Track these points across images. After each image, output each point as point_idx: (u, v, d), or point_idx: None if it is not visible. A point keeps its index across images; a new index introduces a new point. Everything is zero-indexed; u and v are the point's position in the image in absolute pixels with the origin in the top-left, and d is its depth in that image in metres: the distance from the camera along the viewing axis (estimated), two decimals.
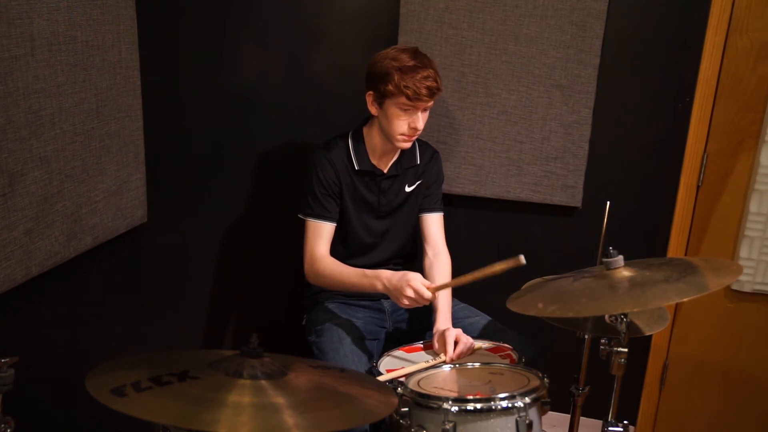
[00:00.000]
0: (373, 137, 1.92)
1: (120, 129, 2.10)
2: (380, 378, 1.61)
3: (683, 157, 2.22)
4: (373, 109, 1.86)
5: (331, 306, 2.00)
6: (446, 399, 1.39)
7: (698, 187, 2.24)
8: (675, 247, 2.28)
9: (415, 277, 1.66)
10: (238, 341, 2.66)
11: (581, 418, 1.70)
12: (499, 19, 2.17)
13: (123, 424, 1.34)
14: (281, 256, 2.50)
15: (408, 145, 1.86)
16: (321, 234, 1.90)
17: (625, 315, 1.38)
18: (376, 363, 1.73)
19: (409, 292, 1.64)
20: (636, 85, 2.20)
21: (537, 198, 2.30)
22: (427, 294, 1.65)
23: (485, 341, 1.81)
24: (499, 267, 1.53)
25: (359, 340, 1.85)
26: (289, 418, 1.01)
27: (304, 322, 2.06)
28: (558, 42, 2.15)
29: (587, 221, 2.31)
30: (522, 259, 1.49)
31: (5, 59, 1.56)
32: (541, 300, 1.41)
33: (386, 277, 1.70)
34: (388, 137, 1.86)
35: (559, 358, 1.86)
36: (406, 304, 1.67)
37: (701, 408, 2.42)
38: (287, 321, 2.35)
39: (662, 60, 2.17)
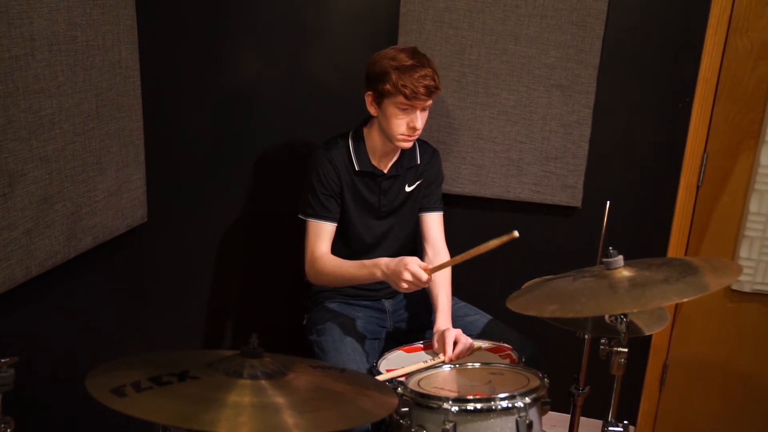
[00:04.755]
0: (373, 138, 1.92)
1: (120, 129, 2.10)
2: (380, 377, 1.61)
3: (683, 157, 2.22)
4: (372, 109, 1.86)
5: (332, 306, 2.00)
6: (446, 399, 1.39)
7: (698, 187, 2.24)
8: (675, 247, 2.28)
9: (411, 261, 1.65)
10: (238, 341, 2.66)
11: (581, 418, 1.70)
12: (499, 19, 2.17)
13: (123, 424, 1.34)
14: (281, 256, 2.50)
15: (408, 145, 1.86)
16: (322, 234, 1.90)
17: (625, 315, 1.38)
18: (377, 363, 1.73)
19: (407, 276, 1.63)
20: (636, 85, 2.20)
21: (537, 198, 2.30)
22: (424, 276, 1.63)
23: (485, 341, 1.81)
24: (493, 243, 1.50)
25: (360, 339, 1.85)
26: (289, 418, 1.01)
27: (305, 322, 2.06)
28: (558, 42, 2.15)
29: (587, 221, 2.31)
30: (516, 233, 1.46)
31: (5, 59, 1.56)
32: (542, 300, 1.41)
33: (384, 263, 1.70)
34: (387, 137, 1.86)
35: (559, 358, 1.86)
36: (405, 288, 1.66)
37: (701, 408, 2.42)
38: (287, 321, 2.35)
39: (662, 60, 2.17)
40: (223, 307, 2.64)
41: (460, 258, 1.62)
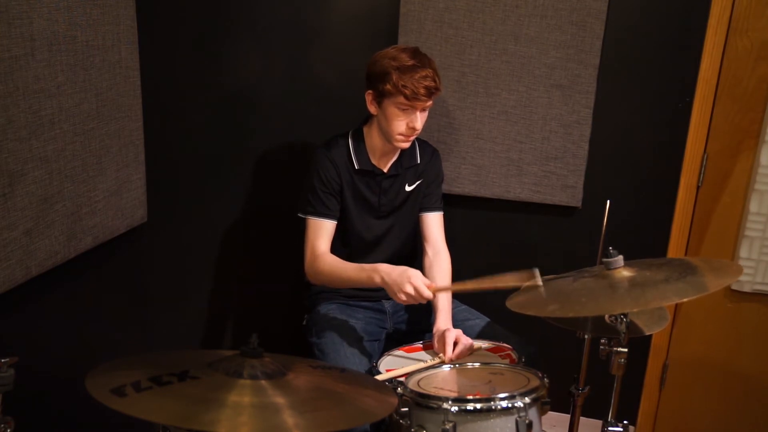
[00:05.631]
0: (373, 137, 1.92)
1: (120, 129, 2.10)
2: (380, 377, 1.61)
3: (683, 157, 2.22)
4: (372, 109, 1.86)
5: (332, 307, 2.00)
6: (446, 399, 1.39)
7: (698, 187, 2.24)
8: (675, 247, 2.28)
9: (416, 275, 1.64)
10: (238, 341, 2.66)
11: (581, 418, 1.70)
12: (499, 19, 2.17)
13: (123, 424, 1.34)
14: (281, 256, 2.50)
15: (406, 145, 1.86)
16: (322, 232, 1.90)
17: (625, 315, 1.38)
18: (376, 363, 1.73)
19: (409, 289, 1.62)
20: (636, 85, 2.20)
21: (537, 198, 2.30)
22: (427, 293, 1.63)
23: (485, 341, 1.81)
24: (511, 283, 1.49)
25: (360, 340, 1.85)
26: (289, 418, 1.01)
27: (305, 323, 2.06)
28: (558, 42, 2.15)
29: (587, 221, 2.31)
30: (538, 279, 1.45)
31: (5, 59, 1.56)
32: (542, 300, 1.41)
33: (385, 270, 1.69)
34: (386, 137, 1.86)
35: (559, 358, 1.86)
36: (403, 300, 1.65)
37: (701, 408, 2.42)
38: (287, 321, 2.35)
39: (662, 60, 2.17)
40: (223, 307, 2.64)
41: (471, 286, 1.60)
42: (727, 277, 1.37)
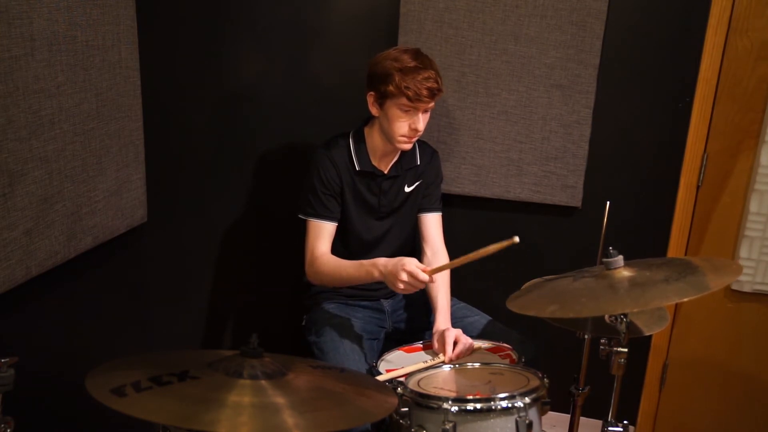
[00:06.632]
0: (374, 138, 1.92)
1: (120, 129, 2.10)
2: (379, 378, 1.61)
3: (683, 157, 2.22)
4: (374, 110, 1.86)
5: (331, 306, 2.00)
6: (446, 399, 1.39)
7: (698, 187, 2.24)
8: (675, 247, 2.28)
9: (410, 261, 1.64)
10: (238, 341, 2.66)
11: (581, 418, 1.70)
12: (499, 19, 2.17)
13: (123, 424, 1.34)
14: (281, 256, 2.50)
15: (408, 146, 1.86)
16: (322, 234, 1.90)
17: (625, 315, 1.38)
18: (376, 363, 1.73)
19: (404, 276, 1.61)
20: (636, 85, 2.20)
21: (537, 198, 2.30)
22: (423, 276, 1.61)
23: (485, 341, 1.81)
24: (494, 248, 1.49)
25: (359, 339, 1.85)
26: (289, 418, 1.01)
27: (304, 323, 2.06)
28: (558, 42, 2.15)
29: (587, 221, 2.31)
30: (516, 239, 1.45)
31: (5, 59, 1.56)
32: (542, 300, 1.41)
33: (382, 263, 1.69)
34: (388, 138, 1.86)
35: (559, 358, 1.86)
36: (402, 289, 1.64)
37: (701, 408, 2.42)
38: (287, 321, 2.35)
39: (662, 60, 2.17)
40: (223, 307, 2.64)
41: (460, 261, 1.60)
42: (727, 276, 1.36)
